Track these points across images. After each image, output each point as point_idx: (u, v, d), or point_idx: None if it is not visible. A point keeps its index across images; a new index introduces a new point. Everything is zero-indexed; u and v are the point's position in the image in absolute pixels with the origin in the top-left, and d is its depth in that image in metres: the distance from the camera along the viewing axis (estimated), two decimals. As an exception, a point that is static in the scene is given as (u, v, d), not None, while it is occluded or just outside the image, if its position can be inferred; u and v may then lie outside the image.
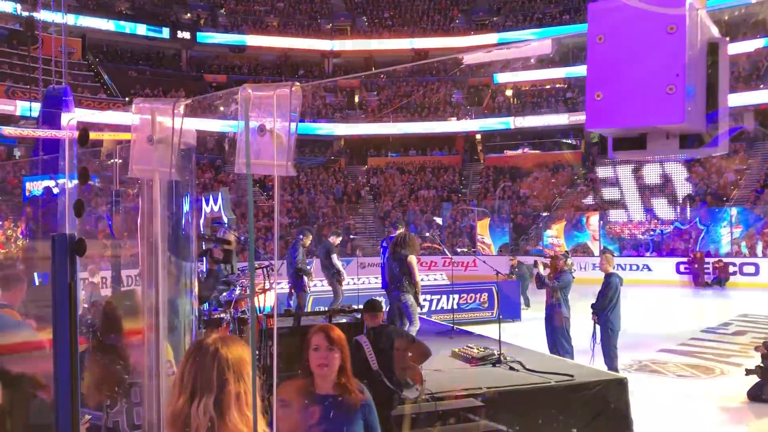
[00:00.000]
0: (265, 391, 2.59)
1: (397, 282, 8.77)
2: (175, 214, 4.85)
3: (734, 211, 25.14)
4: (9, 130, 29.50)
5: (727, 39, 1.15)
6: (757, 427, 7.98)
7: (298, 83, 1.46)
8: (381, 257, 10.55)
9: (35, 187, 10.89)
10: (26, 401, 3.73)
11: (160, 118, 1.71)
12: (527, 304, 16.60)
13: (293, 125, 1.46)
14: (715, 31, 1.15)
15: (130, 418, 3.78)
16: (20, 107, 28.20)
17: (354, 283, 14.27)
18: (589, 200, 30.68)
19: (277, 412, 2.53)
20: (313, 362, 3.01)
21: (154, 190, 1.82)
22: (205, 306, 8.58)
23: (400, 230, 10.23)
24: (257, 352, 5.89)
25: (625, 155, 1.16)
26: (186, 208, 5.43)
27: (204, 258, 9.39)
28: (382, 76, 36.24)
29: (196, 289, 5.81)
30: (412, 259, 8.69)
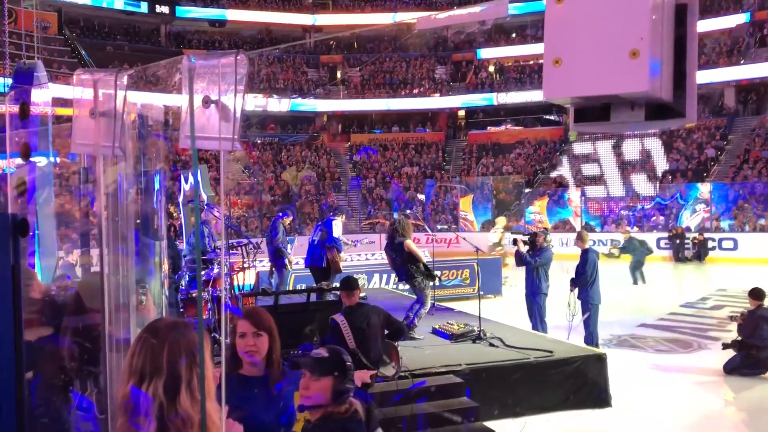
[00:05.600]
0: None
1: (402, 270, 8.68)
2: (144, 192, 4.69)
3: (708, 186, 25.30)
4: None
5: (697, 2, 1.06)
6: (733, 400, 8.08)
7: (243, 52, 1.35)
8: (312, 234, 10.77)
9: (7, 164, 10.67)
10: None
11: (102, 90, 1.60)
12: (643, 280, 16.83)
13: (240, 97, 1.36)
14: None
15: (102, 404, 3.70)
16: (-6, 83, 27.61)
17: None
18: (569, 176, 30.75)
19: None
20: (240, 349, 2.98)
21: (97, 168, 1.71)
22: (183, 285, 8.49)
23: (341, 217, 10.32)
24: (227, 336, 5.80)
25: (588, 127, 1.08)
26: (156, 185, 5.25)
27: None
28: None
29: (166, 268, 5.67)
30: (409, 243, 8.60)
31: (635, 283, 16.83)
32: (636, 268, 17.09)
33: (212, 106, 1.38)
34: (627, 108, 1.06)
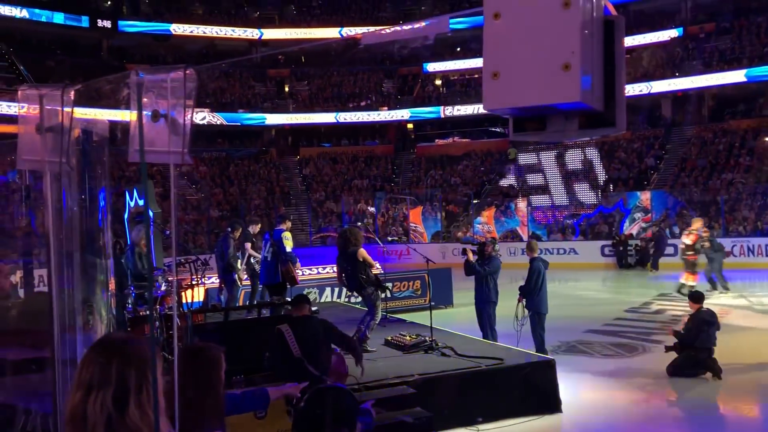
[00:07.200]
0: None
1: (354, 279, 8.64)
2: (88, 209, 4.59)
3: (648, 194, 26.07)
4: None
5: (623, 18, 1.13)
6: (676, 400, 8.35)
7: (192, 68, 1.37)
8: (262, 250, 10.31)
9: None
10: None
11: (48, 105, 1.59)
12: (724, 287, 15.31)
13: (189, 110, 1.38)
14: (611, 9, 1.12)
15: (46, 423, 3.64)
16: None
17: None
18: (515, 185, 31.35)
19: None
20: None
21: (44, 183, 1.69)
22: (129, 304, 8.31)
23: (286, 224, 9.95)
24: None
25: (526, 137, 1.14)
26: (101, 202, 5.15)
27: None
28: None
29: (112, 286, 5.55)
30: (362, 251, 8.57)
31: (715, 288, 15.41)
32: (718, 271, 15.67)
33: (161, 120, 1.39)
34: (561, 118, 1.13)
